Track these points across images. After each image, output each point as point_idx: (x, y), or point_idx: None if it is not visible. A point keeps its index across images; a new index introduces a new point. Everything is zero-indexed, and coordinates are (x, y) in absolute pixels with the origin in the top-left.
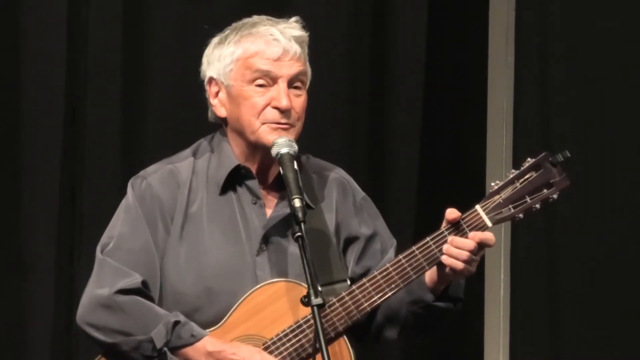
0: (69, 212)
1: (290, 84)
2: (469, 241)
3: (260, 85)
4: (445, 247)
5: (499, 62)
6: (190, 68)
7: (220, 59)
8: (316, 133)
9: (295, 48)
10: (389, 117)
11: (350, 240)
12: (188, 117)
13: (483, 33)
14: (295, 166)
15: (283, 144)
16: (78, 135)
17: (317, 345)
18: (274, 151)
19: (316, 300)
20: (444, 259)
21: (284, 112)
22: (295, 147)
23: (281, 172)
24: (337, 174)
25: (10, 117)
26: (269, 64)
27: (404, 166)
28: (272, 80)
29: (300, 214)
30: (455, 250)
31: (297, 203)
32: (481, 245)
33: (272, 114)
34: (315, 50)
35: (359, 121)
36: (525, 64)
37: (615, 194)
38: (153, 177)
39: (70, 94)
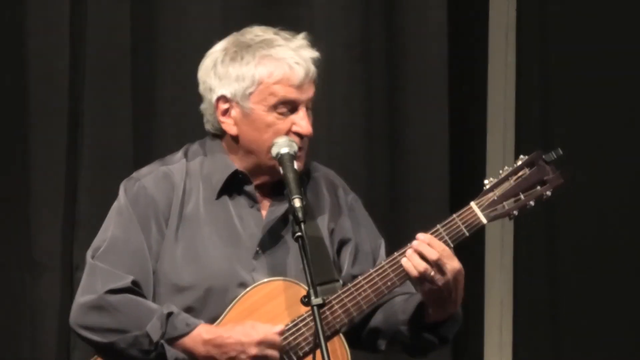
0: (72, 212)
1: (306, 107)
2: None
3: (282, 112)
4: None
5: (499, 62)
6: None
7: (238, 79)
8: (335, 134)
9: (313, 70)
10: (410, 117)
11: (344, 242)
12: (195, 117)
13: (483, 33)
14: (296, 166)
15: (283, 144)
16: (82, 135)
17: (317, 345)
18: (274, 151)
19: (316, 300)
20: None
21: (304, 136)
22: (295, 147)
23: (281, 171)
24: (328, 175)
25: (14, 118)
26: (294, 92)
27: (428, 168)
28: (294, 107)
29: (300, 214)
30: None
31: (297, 203)
32: (422, 256)
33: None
34: (331, 50)
35: (377, 122)
36: (525, 64)
37: (616, 193)
38: (147, 178)
39: (74, 94)
